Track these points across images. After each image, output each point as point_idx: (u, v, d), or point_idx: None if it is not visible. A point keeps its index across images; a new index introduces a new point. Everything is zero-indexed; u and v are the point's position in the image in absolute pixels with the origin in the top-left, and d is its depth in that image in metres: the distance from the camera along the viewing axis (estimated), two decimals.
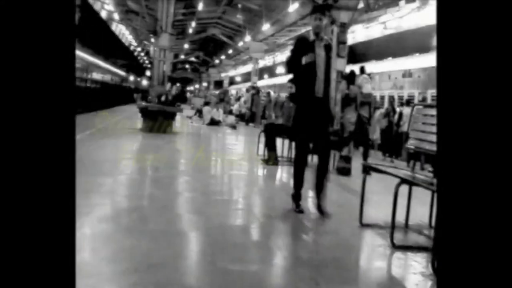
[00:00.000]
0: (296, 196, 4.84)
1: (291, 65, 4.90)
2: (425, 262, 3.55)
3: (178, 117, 15.03)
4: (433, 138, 4.31)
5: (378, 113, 14.18)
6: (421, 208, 4.72)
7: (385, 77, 18.75)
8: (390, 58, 20.31)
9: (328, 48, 4.79)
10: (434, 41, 17.91)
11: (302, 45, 4.81)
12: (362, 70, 10.04)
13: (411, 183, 4.11)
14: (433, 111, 4.69)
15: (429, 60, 16.03)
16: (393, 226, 3.92)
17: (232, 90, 44.73)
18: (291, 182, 7.30)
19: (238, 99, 26.48)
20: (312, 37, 4.78)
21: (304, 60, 4.68)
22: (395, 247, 3.85)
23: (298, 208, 4.79)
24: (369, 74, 10.31)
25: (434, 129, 4.39)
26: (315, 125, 4.70)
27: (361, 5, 15.04)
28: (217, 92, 30.06)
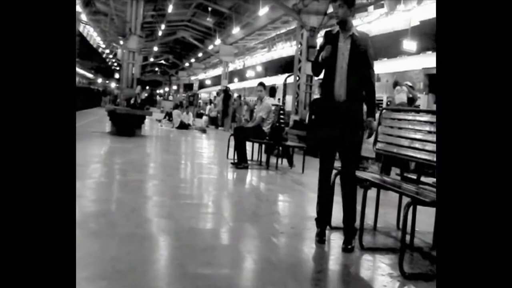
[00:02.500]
0: (317, 222, 4.15)
1: (313, 65, 4.16)
2: (393, 264, 3.61)
3: (147, 120, 14.90)
4: (400, 141, 4.40)
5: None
6: (390, 210, 4.81)
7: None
8: None
9: (354, 40, 3.89)
10: (402, 46, 18.23)
11: (326, 40, 4.00)
12: (396, 82, 10.36)
13: (379, 186, 4.18)
14: (400, 115, 4.79)
15: (397, 65, 16.30)
16: (361, 228, 3.98)
17: (203, 94, 44.55)
18: (262, 186, 7.35)
19: (211, 103, 26.44)
20: (336, 29, 3.98)
21: (320, 57, 3.94)
22: (364, 249, 3.91)
23: (317, 237, 4.07)
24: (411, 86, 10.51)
25: (401, 132, 4.49)
26: (335, 137, 3.94)
27: (330, 9, 15.20)
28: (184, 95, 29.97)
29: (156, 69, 66.01)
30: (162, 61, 55.54)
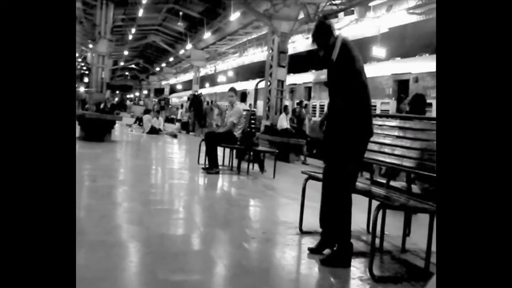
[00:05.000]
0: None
1: None
2: (363, 267, 3.65)
3: (117, 125, 14.73)
4: (370, 146, 4.45)
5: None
6: (360, 215, 4.85)
7: (324, 86, 19.17)
8: None
9: (332, 63, 3.94)
10: (371, 53, 18.53)
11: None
12: None
13: None
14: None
15: (367, 70, 16.52)
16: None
17: (174, 99, 44.31)
18: (233, 191, 7.34)
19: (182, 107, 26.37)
20: None
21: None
22: None
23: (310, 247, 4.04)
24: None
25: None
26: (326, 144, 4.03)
27: (301, 15, 15.34)
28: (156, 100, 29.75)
29: (127, 73, 65.38)
30: (133, 66, 55.08)
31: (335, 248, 3.77)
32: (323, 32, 3.98)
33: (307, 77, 21.11)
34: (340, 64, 3.86)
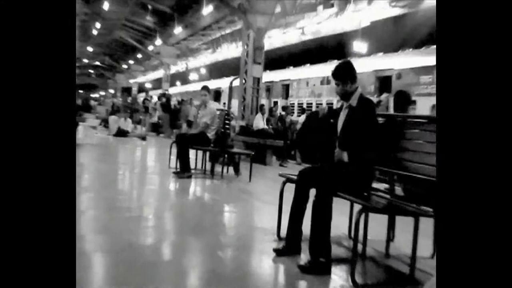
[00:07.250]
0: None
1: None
2: (345, 275, 3.67)
3: (80, 127, 14.55)
4: None
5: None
6: (341, 219, 4.89)
7: (303, 84, 19.31)
8: (308, 64, 20.91)
9: (352, 109, 4.13)
10: (352, 47, 18.67)
11: (328, 114, 4.45)
12: None
13: None
14: None
15: None
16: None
17: (141, 98, 44.01)
18: (206, 196, 7.32)
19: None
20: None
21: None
22: None
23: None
24: None
25: None
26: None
27: (278, 9, 15.35)
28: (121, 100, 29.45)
29: (91, 71, 64.71)
30: (98, 63, 54.52)
31: (314, 255, 3.78)
32: (343, 79, 4.17)
33: (284, 74, 21.20)
34: (360, 116, 4.06)
